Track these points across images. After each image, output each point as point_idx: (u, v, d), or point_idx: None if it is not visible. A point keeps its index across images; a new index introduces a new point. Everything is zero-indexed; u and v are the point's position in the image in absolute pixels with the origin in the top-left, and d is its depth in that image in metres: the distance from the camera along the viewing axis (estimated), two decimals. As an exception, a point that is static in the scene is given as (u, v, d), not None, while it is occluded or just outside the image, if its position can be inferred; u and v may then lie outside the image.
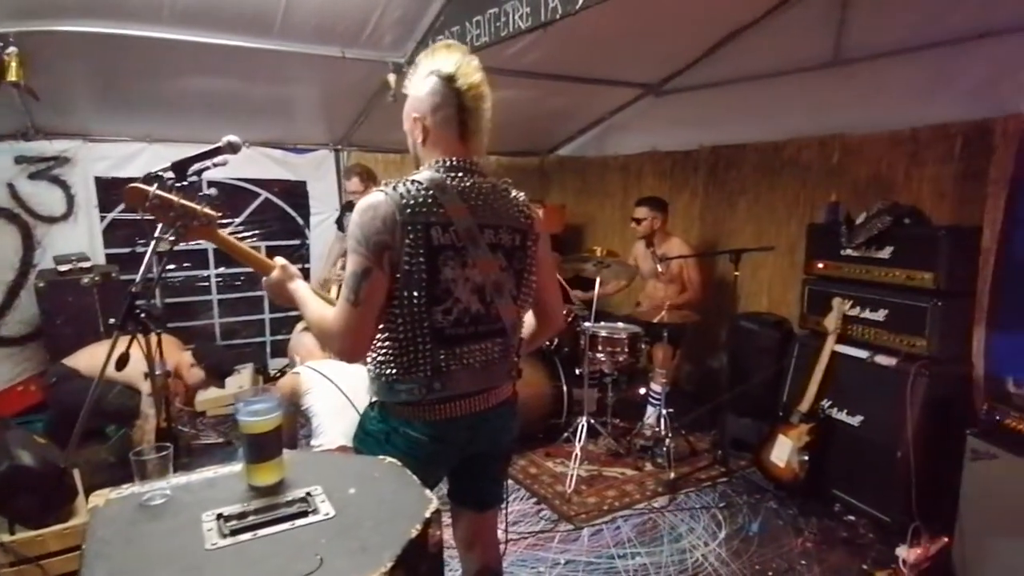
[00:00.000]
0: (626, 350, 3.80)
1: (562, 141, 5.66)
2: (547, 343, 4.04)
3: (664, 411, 3.85)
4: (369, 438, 1.60)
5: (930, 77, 3.13)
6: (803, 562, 2.86)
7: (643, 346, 3.98)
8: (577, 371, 3.89)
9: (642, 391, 4.02)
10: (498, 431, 1.69)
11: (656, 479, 3.57)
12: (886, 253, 3.10)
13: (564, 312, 1.87)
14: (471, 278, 1.50)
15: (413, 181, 1.47)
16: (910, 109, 3.26)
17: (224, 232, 1.68)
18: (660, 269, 3.99)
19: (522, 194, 1.66)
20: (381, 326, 1.48)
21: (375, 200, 1.42)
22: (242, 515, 1.12)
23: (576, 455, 3.52)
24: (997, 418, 2.61)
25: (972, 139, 3.03)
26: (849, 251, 3.24)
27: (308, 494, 1.20)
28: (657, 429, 3.85)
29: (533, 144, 5.69)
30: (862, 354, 3.19)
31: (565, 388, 3.91)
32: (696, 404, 4.07)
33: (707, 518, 3.22)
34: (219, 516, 1.12)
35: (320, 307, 1.57)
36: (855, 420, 3.24)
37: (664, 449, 3.72)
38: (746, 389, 3.77)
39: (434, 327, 1.47)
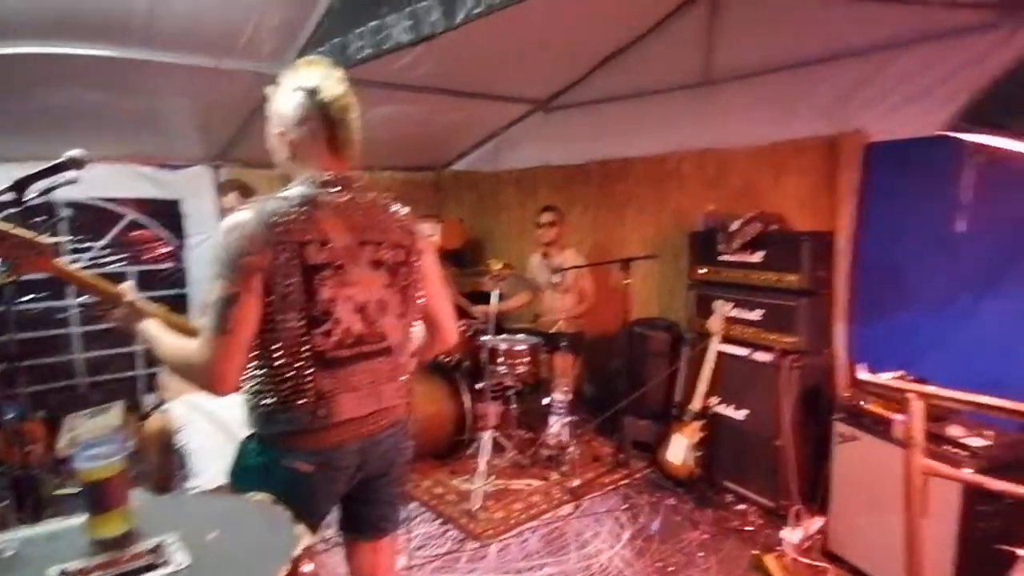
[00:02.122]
0: (527, 362, 3.84)
1: (456, 156, 5.67)
2: (447, 359, 4.00)
3: (567, 419, 3.92)
4: (247, 473, 1.49)
5: (787, 97, 3.44)
6: (701, 554, 3.00)
7: (544, 357, 4.04)
8: (479, 386, 3.87)
9: (545, 401, 4.08)
10: (391, 453, 1.64)
11: (562, 487, 3.62)
12: (758, 257, 3.35)
13: (458, 327, 1.85)
14: (352, 297, 1.45)
15: (284, 198, 1.40)
16: (772, 126, 3.56)
17: (65, 262, 1.52)
18: (556, 280, 4.08)
19: (405, 209, 1.63)
20: (255, 353, 1.39)
21: (241, 219, 1.34)
22: (83, 572, 1.01)
23: (481, 470, 3.50)
24: (858, 403, 2.87)
25: (825, 153, 3.35)
26: (726, 257, 3.48)
27: (160, 544, 1.10)
28: (561, 438, 3.91)
29: (428, 159, 5.66)
30: (743, 352, 3.42)
31: (468, 404, 3.88)
32: (599, 410, 4.18)
33: (611, 521, 3.30)
34: (62, 573, 1.00)
35: (176, 342, 1.45)
36: (741, 414, 3.45)
37: (568, 457, 3.78)
38: (643, 392, 3.92)
39: (315, 351, 1.40)
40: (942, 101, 2.76)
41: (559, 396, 3.97)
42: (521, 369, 3.82)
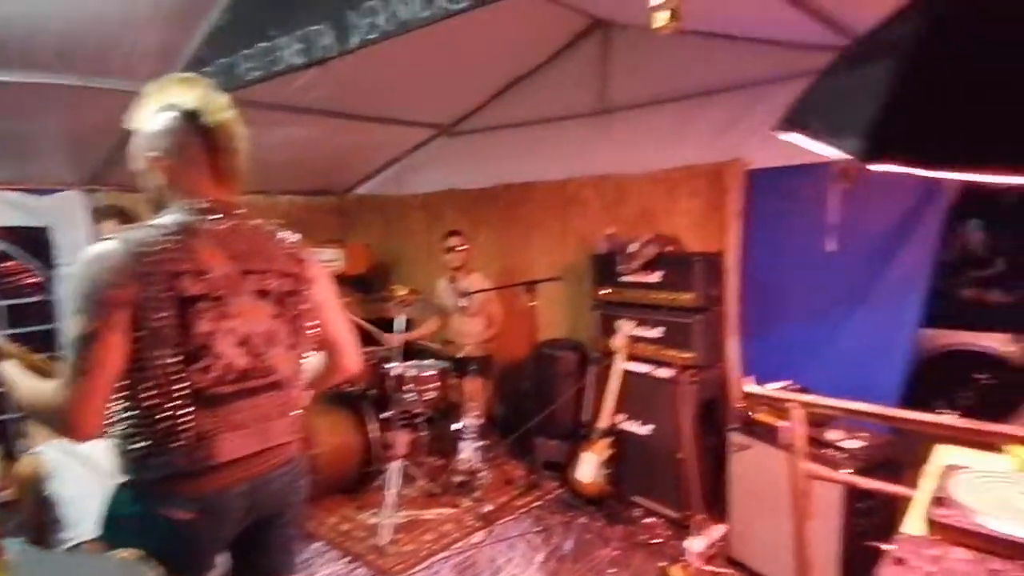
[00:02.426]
0: (436, 387, 3.78)
1: (360, 180, 5.56)
2: (352, 388, 3.86)
3: (478, 444, 3.88)
4: (121, 525, 1.36)
5: (677, 125, 3.65)
6: (612, 570, 3.03)
7: (453, 381, 4.00)
8: (387, 414, 3.76)
9: (456, 426, 4.02)
10: (284, 494, 1.54)
11: (474, 514, 3.56)
12: (656, 278, 3.50)
13: (362, 354, 1.78)
14: (234, 330, 1.36)
15: (156, 226, 1.30)
16: (664, 153, 3.76)
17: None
18: (463, 304, 4.06)
19: (293, 236, 1.56)
20: (124, 393, 1.27)
21: (104, 250, 1.23)
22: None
23: (389, 502, 3.38)
24: (750, 413, 3.03)
25: (712, 178, 3.58)
26: (627, 277, 3.61)
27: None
28: (472, 463, 3.86)
29: (329, 183, 5.51)
30: (645, 369, 3.54)
31: (375, 433, 3.76)
32: (512, 432, 4.17)
33: (524, 545, 3.27)
34: None
35: (32, 384, 1.31)
36: (646, 430, 3.56)
37: (480, 482, 3.74)
38: (552, 412, 3.96)
39: (192, 388, 1.30)
40: (810, 132, 3.02)
41: (470, 421, 3.93)
42: (430, 395, 3.76)
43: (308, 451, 3.36)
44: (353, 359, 1.74)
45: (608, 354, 3.66)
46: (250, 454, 1.42)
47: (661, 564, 3.07)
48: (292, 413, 1.53)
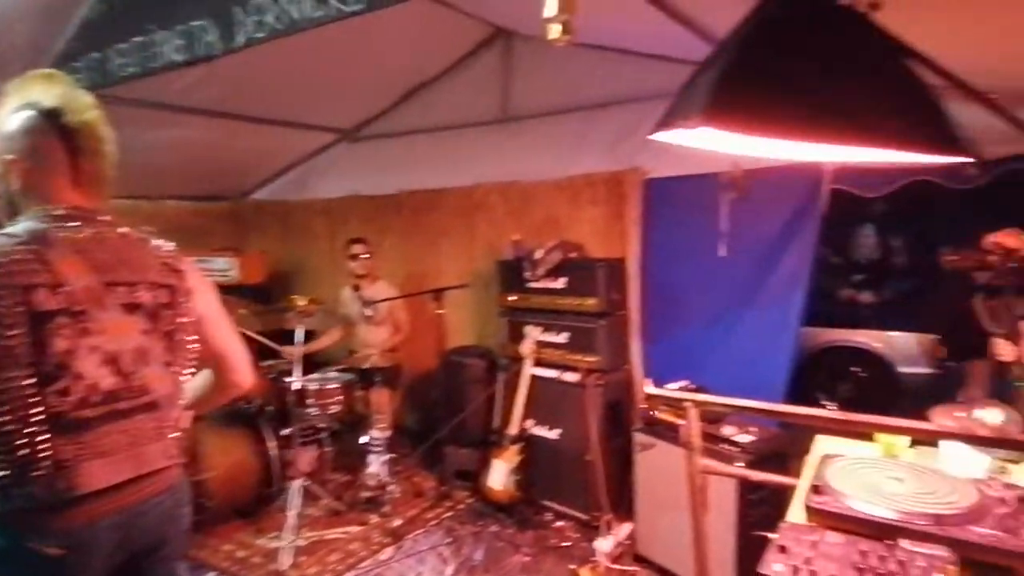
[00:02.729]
0: (340, 400, 3.64)
1: (257, 185, 5.29)
2: (248, 405, 3.65)
3: (386, 457, 3.77)
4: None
5: (577, 135, 3.74)
6: (523, 577, 3.04)
7: (359, 393, 3.87)
8: (287, 431, 3.58)
9: (363, 440, 3.89)
10: (163, 524, 1.41)
11: (382, 530, 3.45)
12: (561, 283, 3.56)
13: (251, 370, 1.67)
14: (99, 347, 1.24)
15: (6, 234, 1.16)
16: (566, 161, 3.85)
17: None
18: (368, 313, 3.95)
19: (168, 244, 1.44)
20: None
21: None
22: None
23: (291, 524, 3.21)
24: (653, 413, 3.13)
25: (612, 187, 3.69)
26: (533, 284, 3.64)
27: None
28: (381, 477, 3.74)
29: (223, 187, 5.20)
30: (553, 374, 3.59)
31: (274, 452, 3.56)
32: (423, 443, 4.09)
33: (434, 558, 3.21)
34: None
35: None
36: (554, 434, 3.60)
37: (388, 496, 3.63)
38: (462, 420, 3.92)
39: (50, 412, 1.17)
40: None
41: (377, 433, 3.81)
42: (334, 408, 3.61)
43: (198, 475, 3.16)
44: (244, 374, 1.63)
45: (517, 360, 3.67)
46: (122, 482, 1.30)
47: (571, 567, 3.10)
48: (170, 435, 1.41)
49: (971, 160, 1.09)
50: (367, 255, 4.13)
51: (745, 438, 2.76)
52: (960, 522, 1.35)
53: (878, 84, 1.11)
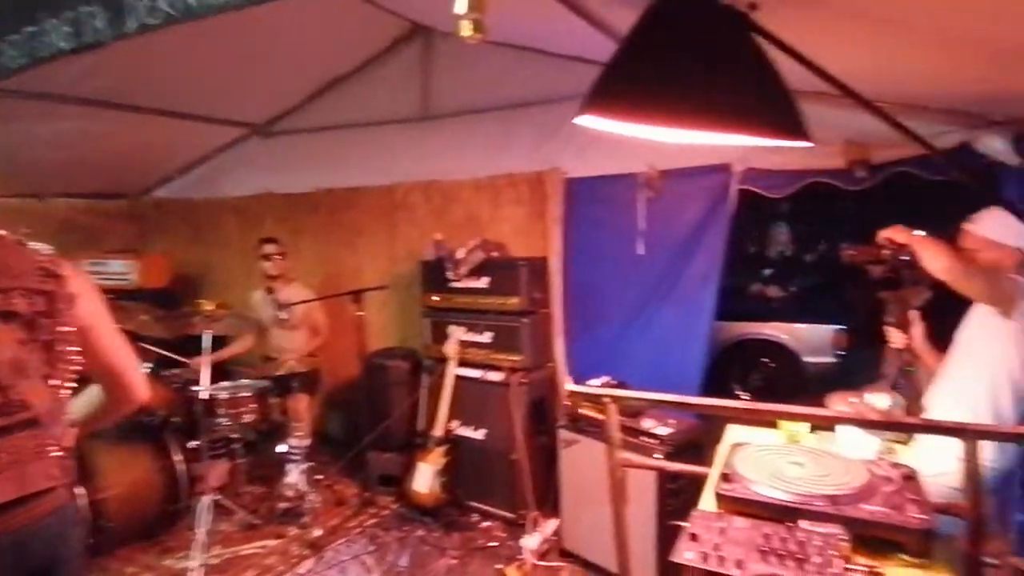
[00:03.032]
0: (254, 409, 3.47)
1: (158, 181, 4.96)
2: (150, 417, 3.41)
3: (305, 466, 3.63)
4: None
5: (499, 135, 3.73)
6: (449, 580, 3.00)
7: (275, 401, 3.71)
8: (194, 443, 3.37)
9: (280, 449, 3.73)
10: (50, 548, 1.30)
11: (301, 542, 3.32)
12: (484, 283, 3.55)
13: (145, 381, 1.55)
14: None
15: None
16: (488, 161, 3.83)
17: None
18: (283, 317, 3.78)
19: (46, 248, 1.32)
20: None
21: None
22: None
23: (200, 542, 3.02)
24: (576, 409, 3.17)
25: (533, 186, 3.72)
26: (456, 283, 3.61)
27: None
28: (299, 487, 3.60)
29: (120, 185, 4.84)
30: (477, 374, 3.57)
31: (181, 466, 3.34)
32: (347, 449, 3.96)
33: (357, 567, 3.12)
34: None
35: None
36: (480, 434, 3.59)
37: (307, 507, 3.50)
38: (386, 425, 3.83)
39: None
40: (616, 145, 3.25)
41: (295, 442, 3.67)
42: (247, 418, 3.44)
43: (94, 494, 2.92)
44: (137, 389, 1.51)
45: (441, 361, 3.63)
46: (6, 503, 1.19)
47: (498, 566, 3.10)
48: (52, 454, 1.29)
49: (810, 145, 1.27)
50: (280, 255, 3.95)
51: (664, 430, 2.84)
52: (852, 501, 1.44)
53: (740, 78, 1.24)
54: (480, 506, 3.61)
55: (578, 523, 3.11)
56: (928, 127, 2.77)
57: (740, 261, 6.92)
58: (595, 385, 3.14)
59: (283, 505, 3.57)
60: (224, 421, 3.37)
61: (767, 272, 7.07)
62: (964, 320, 2.15)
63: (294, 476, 3.63)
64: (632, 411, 2.93)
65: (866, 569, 1.28)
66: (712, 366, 5.92)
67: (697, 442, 2.86)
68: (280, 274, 3.96)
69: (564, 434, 3.15)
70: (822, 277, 6.85)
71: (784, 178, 3.19)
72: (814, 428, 2.01)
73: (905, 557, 1.36)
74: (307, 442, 3.70)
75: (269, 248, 3.94)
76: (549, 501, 3.38)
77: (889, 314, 2.24)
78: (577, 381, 3.51)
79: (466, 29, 1.61)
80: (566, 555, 3.16)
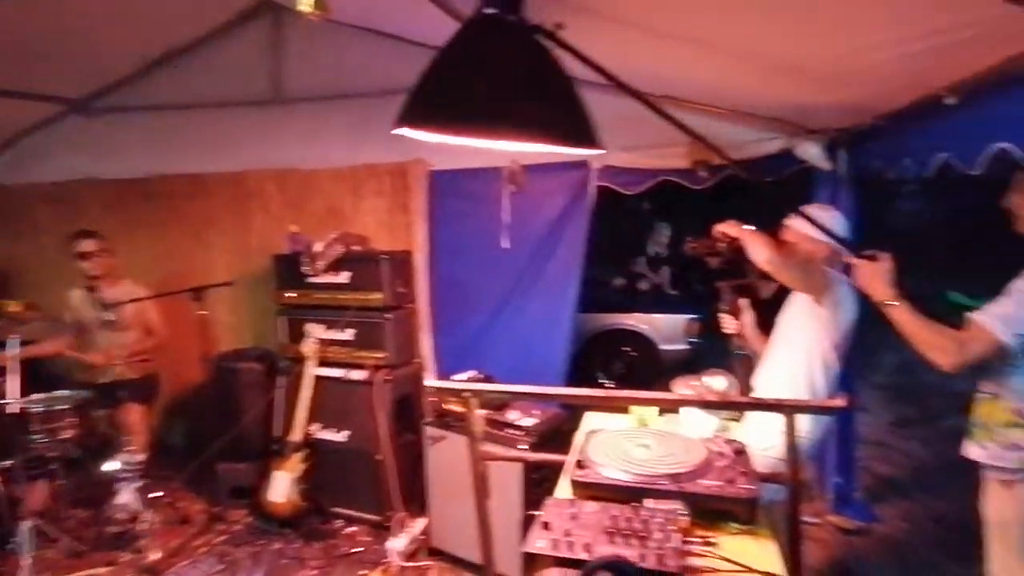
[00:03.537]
0: (74, 423, 3.05)
1: (-47, 163, 4.21)
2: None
3: (138, 483, 3.25)
4: None
5: (360, 123, 3.56)
6: (309, 592, 2.84)
7: (101, 412, 3.29)
8: (5, 463, 2.90)
9: (110, 467, 3.30)
10: None
11: (136, 567, 2.98)
12: (345, 278, 3.39)
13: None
14: None
15: None
16: (348, 150, 3.66)
17: None
18: (109, 318, 3.35)
19: None
20: None
21: None
22: None
23: (27, 570, 2.61)
24: (442, 405, 3.13)
25: (396, 177, 3.61)
26: (314, 279, 3.42)
27: None
28: (132, 507, 3.22)
29: None
30: (339, 373, 3.41)
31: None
32: (190, 462, 3.60)
33: (203, 590, 2.86)
34: None
35: None
36: (342, 436, 3.44)
37: (143, 528, 3.14)
38: (238, 432, 3.55)
39: None
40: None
41: (126, 458, 3.26)
42: (67, 433, 3.01)
43: None
44: None
45: (298, 361, 3.42)
46: None
47: (362, 573, 2.99)
48: None
49: (601, 152, 1.44)
50: (102, 252, 3.45)
51: (529, 421, 2.88)
52: (691, 478, 1.53)
53: (541, 92, 1.37)
54: (344, 511, 3.47)
55: (446, 520, 3.08)
56: (756, 133, 3.07)
57: (613, 257, 7.30)
58: (460, 379, 3.12)
59: (113, 529, 3.18)
60: (40, 438, 2.93)
61: (633, 266, 7.48)
62: (784, 307, 2.38)
63: (126, 496, 3.22)
64: (497, 404, 2.95)
65: (700, 540, 1.37)
66: (579, 355, 6.22)
67: (561, 431, 2.93)
68: (104, 272, 3.47)
69: (430, 431, 3.10)
70: (678, 270, 7.36)
71: (637, 176, 3.37)
72: (662, 411, 2.13)
73: (735, 526, 1.47)
74: (141, 457, 3.31)
75: (86, 245, 3.38)
76: (417, 500, 3.32)
77: (723, 302, 2.43)
78: (444, 376, 3.48)
79: (304, 4, 1.52)
80: (435, 553, 3.12)
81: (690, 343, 5.92)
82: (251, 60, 3.55)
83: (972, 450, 1.90)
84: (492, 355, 3.51)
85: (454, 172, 3.53)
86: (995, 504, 1.86)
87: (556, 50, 1.36)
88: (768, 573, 1.30)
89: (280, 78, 3.60)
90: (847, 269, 2.31)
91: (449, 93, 1.34)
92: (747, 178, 1.81)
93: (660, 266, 7.45)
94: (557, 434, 2.88)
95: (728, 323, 2.43)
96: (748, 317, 2.54)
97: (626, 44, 2.06)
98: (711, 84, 2.67)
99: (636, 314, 6.31)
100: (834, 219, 2.30)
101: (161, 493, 3.48)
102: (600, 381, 6.36)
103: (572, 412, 2.80)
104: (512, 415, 2.93)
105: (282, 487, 3.29)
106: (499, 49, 1.33)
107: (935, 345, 1.75)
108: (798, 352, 2.22)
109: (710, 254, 2.27)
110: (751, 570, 1.30)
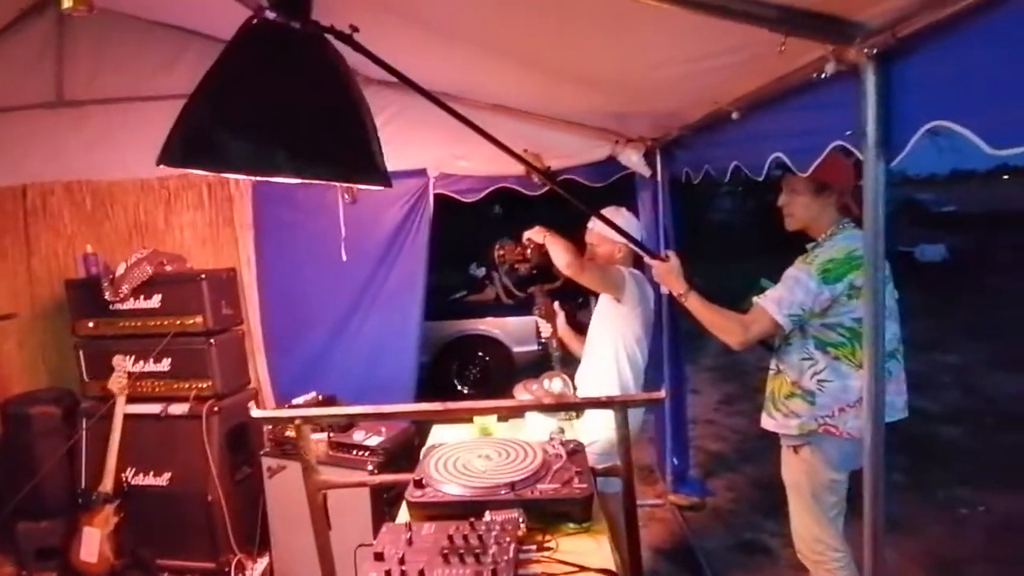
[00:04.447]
0: None
1: None
2: None
3: None
4: None
5: (164, 128, 3.20)
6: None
7: None
8: None
9: None
10: None
11: None
12: (156, 302, 3.04)
13: None
14: None
15: None
16: (154, 157, 3.26)
17: None
18: None
19: None
20: None
21: None
22: None
23: None
24: (283, 432, 2.90)
25: (215, 189, 3.30)
26: (118, 305, 3.02)
27: None
28: None
29: None
30: (155, 409, 3.05)
31: None
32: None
33: None
34: None
35: None
36: (163, 479, 3.09)
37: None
38: (36, 486, 3.05)
39: None
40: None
41: None
42: None
43: None
44: None
45: (105, 400, 2.99)
46: None
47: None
48: None
49: (387, 187, 1.38)
50: None
51: (375, 440, 2.75)
52: (529, 483, 1.53)
53: (326, 119, 1.28)
54: (172, 562, 3.09)
55: (292, 556, 2.86)
56: (584, 140, 3.23)
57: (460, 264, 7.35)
58: (298, 403, 2.93)
59: None
60: None
61: (479, 270, 7.56)
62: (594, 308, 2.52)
63: None
64: (343, 425, 2.80)
65: (537, 546, 1.37)
66: (433, 364, 6.16)
67: (411, 446, 2.85)
68: None
69: (268, 462, 2.86)
70: (526, 273, 7.58)
71: (473, 183, 3.39)
72: (502, 418, 2.14)
73: (572, 526, 1.49)
74: None
75: None
76: (256, 539, 3.05)
77: (536, 307, 2.51)
78: (283, 400, 3.24)
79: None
80: (281, 592, 2.89)
81: (541, 344, 6.11)
82: (32, 61, 3.06)
83: (766, 421, 2.14)
84: (335, 374, 3.34)
85: (280, 183, 3.30)
86: (787, 467, 2.11)
87: (350, 57, 1.28)
88: (602, 570, 1.34)
89: (65, 78, 3.13)
90: (642, 266, 2.50)
91: (222, 120, 1.19)
92: (554, 186, 1.88)
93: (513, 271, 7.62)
94: (407, 450, 2.80)
95: (543, 327, 2.52)
96: (561, 319, 2.65)
97: (448, 55, 2.06)
98: (539, 95, 2.76)
99: (488, 319, 6.40)
100: (628, 220, 2.48)
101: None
102: (458, 389, 6.35)
103: (422, 427, 2.74)
104: (358, 435, 2.79)
105: (94, 544, 2.87)
106: (280, 63, 1.21)
107: (723, 327, 1.98)
108: (606, 349, 2.37)
109: (519, 261, 2.34)
110: (584, 568, 1.33)
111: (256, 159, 1.18)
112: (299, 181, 1.24)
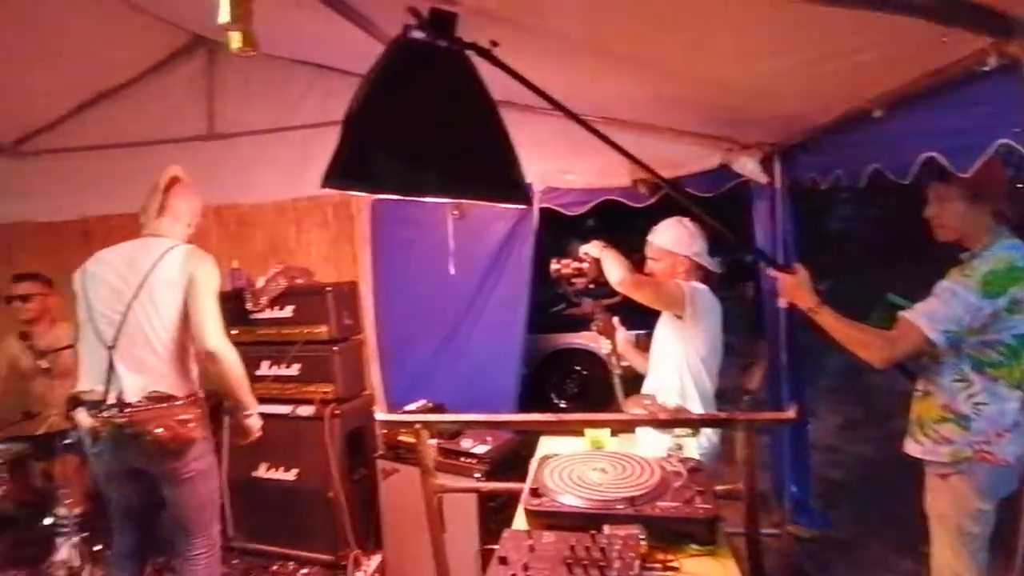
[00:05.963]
0: (6, 479, 2.86)
1: None
2: None
3: (77, 538, 3.05)
4: None
5: (300, 155, 3.48)
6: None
7: (38, 465, 3.09)
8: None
9: (48, 521, 3.09)
10: None
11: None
12: (289, 312, 3.31)
13: None
14: None
15: None
16: (289, 182, 3.55)
17: None
18: (44, 366, 3.18)
19: None
20: None
21: None
22: None
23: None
24: (396, 437, 3.05)
25: (339, 208, 3.56)
26: (257, 315, 3.32)
27: None
28: (72, 563, 3.01)
29: None
30: (285, 409, 3.30)
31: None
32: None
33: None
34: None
35: None
36: (291, 475, 3.32)
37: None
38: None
39: None
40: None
41: (63, 512, 3.06)
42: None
43: None
44: None
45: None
46: None
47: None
48: None
49: (526, 206, 1.38)
50: (39, 294, 3.32)
51: (482, 448, 2.84)
52: (648, 500, 1.52)
53: (471, 136, 1.31)
54: (293, 552, 3.33)
55: (402, 555, 3.00)
56: (694, 150, 3.16)
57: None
58: (410, 410, 3.07)
59: (52, 591, 2.95)
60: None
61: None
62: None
63: (65, 552, 3.03)
64: (451, 432, 2.90)
65: (661, 565, 1.35)
66: (531, 377, 6.21)
67: (517, 456, 2.90)
68: (39, 315, 3.33)
69: (383, 464, 3.02)
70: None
71: (579, 196, 3.41)
72: (615, 432, 2.13)
73: (695, 547, 1.45)
74: (80, 510, 3.11)
75: (24, 287, 3.29)
76: (371, 537, 3.22)
77: (595, 322, 2.45)
78: (395, 407, 3.41)
79: (235, 41, 1.49)
80: (394, 590, 3.02)
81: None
82: (185, 97, 3.44)
83: (911, 447, 1.98)
84: (442, 383, 3.47)
85: (397, 200, 3.49)
86: (934, 497, 1.94)
87: (485, 74, 1.32)
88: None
89: (216, 114, 3.50)
90: (707, 278, 2.39)
91: (377, 143, 1.26)
92: (677, 195, 1.85)
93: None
94: (513, 460, 2.84)
95: (603, 343, 2.47)
96: (621, 335, 2.59)
97: (568, 67, 2.09)
98: (648, 104, 2.74)
99: (585, 332, 6.35)
100: (692, 232, 2.39)
101: (102, 547, 3.26)
102: (555, 402, 6.35)
103: (526, 437, 2.78)
104: (466, 443, 2.88)
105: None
106: (427, 82, 1.26)
107: (864, 343, 1.84)
108: (671, 366, 2.30)
109: (576, 275, 2.31)
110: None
111: (407, 180, 1.25)
112: (445, 200, 1.32)
